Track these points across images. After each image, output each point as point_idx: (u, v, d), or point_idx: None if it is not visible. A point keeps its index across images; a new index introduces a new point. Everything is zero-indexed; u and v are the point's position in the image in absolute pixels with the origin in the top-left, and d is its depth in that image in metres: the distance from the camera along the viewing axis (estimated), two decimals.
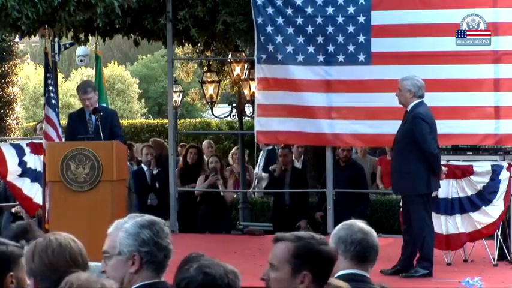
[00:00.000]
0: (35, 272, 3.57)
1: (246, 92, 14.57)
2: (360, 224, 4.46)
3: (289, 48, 11.43)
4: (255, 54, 11.69)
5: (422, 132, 9.03)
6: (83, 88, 10.12)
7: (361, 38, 11.11)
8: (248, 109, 15.50)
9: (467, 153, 10.28)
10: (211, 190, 12.77)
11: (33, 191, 11.33)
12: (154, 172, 13.44)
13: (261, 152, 16.23)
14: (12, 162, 11.45)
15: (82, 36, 13.27)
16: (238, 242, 11.97)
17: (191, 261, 3.58)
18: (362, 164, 14.36)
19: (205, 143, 15.58)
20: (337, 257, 3.81)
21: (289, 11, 11.42)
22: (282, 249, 3.72)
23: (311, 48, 11.35)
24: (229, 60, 14.60)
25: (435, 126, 9.23)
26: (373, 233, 4.45)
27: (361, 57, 11.13)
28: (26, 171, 11.45)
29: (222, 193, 12.97)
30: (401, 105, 9.41)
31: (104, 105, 12.24)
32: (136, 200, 13.34)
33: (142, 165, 13.50)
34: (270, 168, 14.46)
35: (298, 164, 14.43)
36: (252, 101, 13.61)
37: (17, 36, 13.93)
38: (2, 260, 3.69)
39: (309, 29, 11.32)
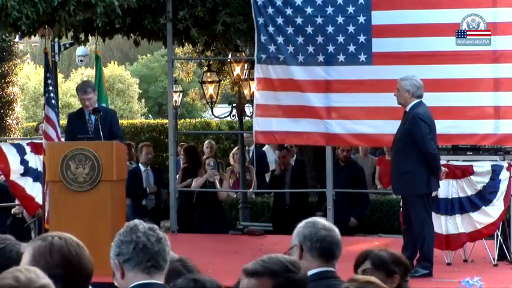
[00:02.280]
0: (53, 269, 3.47)
1: (246, 92, 14.57)
2: (323, 221, 4.51)
3: (290, 49, 11.43)
4: (255, 54, 11.69)
5: (421, 132, 9.03)
6: (82, 88, 10.14)
7: (362, 38, 11.11)
8: (248, 109, 15.50)
9: (467, 153, 10.28)
10: (207, 190, 12.71)
11: (35, 190, 11.35)
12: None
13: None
14: (14, 161, 11.47)
15: (82, 36, 13.27)
16: (238, 242, 11.97)
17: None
18: (363, 164, 14.35)
19: (206, 143, 15.58)
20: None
21: (288, 11, 11.41)
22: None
23: (311, 48, 11.35)
24: (229, 60, 14.61)
25: (434, 126, 9.23)
26: (336, 229, 4.49)
27: (362, 57, 11.12)
28: (27, 170, 11.47)
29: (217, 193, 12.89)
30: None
31: (104, 105, 12.24)
32: (130, 200, 13.20)
33: (140, 165, 13.43)
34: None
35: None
36: (252, 101, 13.61)
37: (17, 36, 13.93)
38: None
39: (309, 29, 11.32)
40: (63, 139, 10.78)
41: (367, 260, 4.33)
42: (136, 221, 3.78)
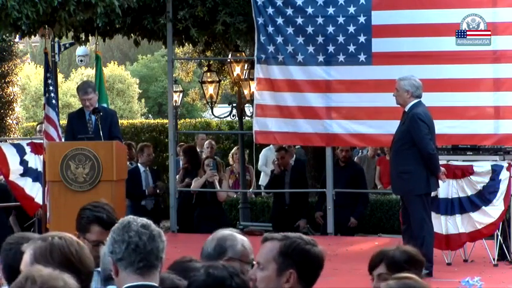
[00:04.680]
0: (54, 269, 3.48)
1: (246, 92, 14.57)
2: (219, 232, 4.61)
3: (289, 49, 11.43)
4: (255, 54, 11.69)
5: (420, 132, 9.02)
6: (83, 89, 10.13)
7: (362, 38, 11.11)
8: (248, 109, 15.50)
9: (467, 153, 10.27)
10: (208, 190, 12.70)
11: (34, 190, 11.33)
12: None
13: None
14: (13, 161, 11.45)
15: (82, 36, 13.26)
16: None
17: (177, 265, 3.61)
18: (370, 165, 14.36)
19: (206, 143, 15.59)
20: (324, 258, 3.78)
21: (289, 11, 11.42)
22: (269, 248, 3.70)
23: (311, 49, 11.35)
24: (229, 60, 14.60)
25: (433, 126, 9.22)
26: (227, 237, 4.53)
27: (362, 57, 11.13)
28: (27, 171, 11.45)
29: (217, 193, 12.87)
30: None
31: (105, 105, 12.23)
32: (129, 201, 13.17)
33: (139, 165, 13.40)
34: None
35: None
36: (252, 101, 13.60)
37: (17, 36, 13.92)
38: None
39: (309, 29, 11.32)
40: (63, 139, 10.77)
41: (382, 263, 4.28)
42: (130, 217, 3.71)
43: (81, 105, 10.38)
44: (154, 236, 3.66)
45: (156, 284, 3.64)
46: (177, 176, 13.31)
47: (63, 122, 13.12)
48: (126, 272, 3.59)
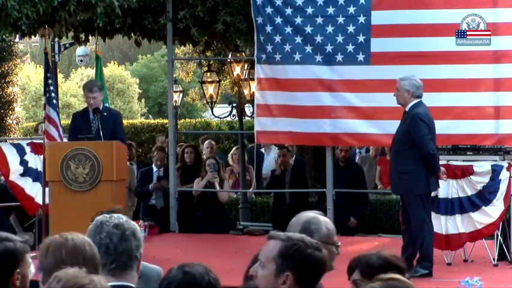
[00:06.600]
0: (46, 269, 3.54)
1: (246, 92, 14.55)
2: (303, 214, 4.43)
3: (287, 48, 11.43)
4: (255, 54, 11.70)
5: (420, 132, 9.01)
6: (88, 87, 10.20)
7: (361, 38, 11.11)
8: (248, 109, 15.49)
9: (467, 153, 10.26)
10: (208, 190, 12.69)
11: (34, 190, 11.34)
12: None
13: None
14: (13, 161, 11.47)
15: (82, 36, 13.27)
16: (238, 242, 11.96)
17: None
18: (372, 164, 14.31)
19: (206, 143, 15.58)
20: (326, 263, 3.77)
21: (288, 10, 11.42)
22: (271, 247, 3.71)
23: (309, 48, 11.36)
24: (229, 60, 14.60)
25: (434, 126, 9.22)
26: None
27: (361, 57, 11.12)
28: (27, 171, 11.47)
29: (218, 194, 12.86)
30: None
31: (106, 105, 12.24)
32: (142, 200, 13.23)
33: (153, 166, 13.43)
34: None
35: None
36: (252, 101, 13.59)
37: (17, 36, 13.92)
38: (9, 258, 3.63)
39: (308, 29, 11.32)
40: (65, 139, 10.79)
41: (357, 269, 4.26)
42: (104, 217, 3.73)
43: (84, 105, 10.40)
44: (127, 236, 3.68)
45: (132, 284, 3.64)
46: None
47: (64, 122, 13.14)
48: (101, 274, 3.58)
